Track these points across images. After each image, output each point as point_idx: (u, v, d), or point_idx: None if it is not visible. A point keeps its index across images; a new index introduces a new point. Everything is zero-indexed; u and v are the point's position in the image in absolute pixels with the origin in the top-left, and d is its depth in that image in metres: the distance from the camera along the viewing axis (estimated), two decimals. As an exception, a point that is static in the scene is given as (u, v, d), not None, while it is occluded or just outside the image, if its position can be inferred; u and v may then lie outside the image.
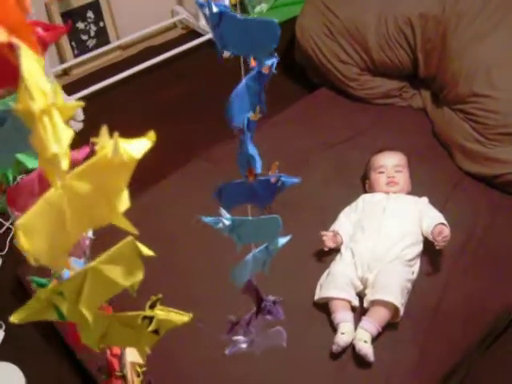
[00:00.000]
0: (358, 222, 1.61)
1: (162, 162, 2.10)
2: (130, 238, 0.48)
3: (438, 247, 1.51)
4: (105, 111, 2.26)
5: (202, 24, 2.65)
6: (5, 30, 0.38)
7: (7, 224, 1.88)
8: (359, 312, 1.45)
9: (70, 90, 2.34)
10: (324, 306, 1.46)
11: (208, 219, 0.65)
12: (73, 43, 2.48)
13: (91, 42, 2.54)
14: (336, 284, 1.45)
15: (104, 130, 0.39)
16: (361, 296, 1.48)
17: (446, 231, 1.51)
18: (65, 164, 0.38)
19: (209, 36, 2.52)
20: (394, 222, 1.57)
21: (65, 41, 2.44)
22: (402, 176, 1.70)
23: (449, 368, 1.38)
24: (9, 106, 0.58)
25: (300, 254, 1.60)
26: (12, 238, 1.83)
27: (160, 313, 0.58)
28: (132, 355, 0.72)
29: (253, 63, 0.53)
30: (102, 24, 2.53)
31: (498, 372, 1.53)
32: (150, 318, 0.58)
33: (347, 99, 2.15)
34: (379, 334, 1.39)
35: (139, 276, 0.48)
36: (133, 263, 0.48)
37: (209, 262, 1.57)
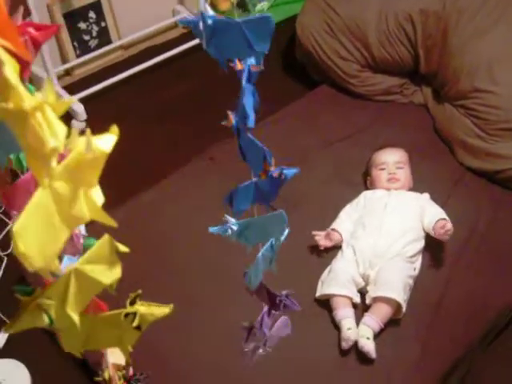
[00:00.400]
0: (359, 218, 1.62)
1: (162, 162, 2.11)
2: (106, 236, 0.49)
3: (442, 239, 1.51)
4: (107, 111, 2.28)
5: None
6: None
7: (11, 223, 1.89)
8: (360, 309, 1.46)
9: (72, 90, 2.35)
10: (325, 303, 1.47)
11: (215, 229, 0.65)
12: (75, 43, 2.49)
13: (93, 42, 2.55)
14: (337, 281, 1.46)
15: (74, 130, 0.40)
16: (362, 293, 1.49)
17: (449, 225, 1.51)
18: (54, 162, 0.39)
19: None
20: (396, 219, 1.57)
21: (67, 41, 2.45)
22: (403, 172, 1.71)
23: (450, 364, 1.38)
24: None
25: (301, 251, 1.60)
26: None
27: (141, 308, 0.59)
28: (114, 357, 0.73)
29: (239, 66, 0.53)
30: (103, 24, 2.54)
31: (499, 368, 1.53)
32: (133, 315, 0.59)
33: (348, 96, 2.16)
34: (381, 331, 1.40)
35: (118, 273, 0.49)
36: (111, 261, 0.48)
37: (208, 262, 1.57)
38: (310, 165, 1.86)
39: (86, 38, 2.52)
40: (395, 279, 1.44)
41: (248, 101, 0.53)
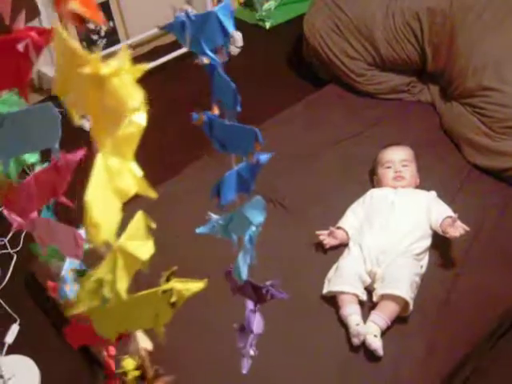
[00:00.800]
0: (365, 216, 1.62)
1: (175, 157, 2.12)
2: (140, 213, 0.50)
3: (450, 237, 1.51)
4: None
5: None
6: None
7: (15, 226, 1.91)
8: (367, 306, 1.46)
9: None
10: (331, 300, 1.47)
11: (202, 229, 0.66)
12: (84, 43, 2.51)
13: (101, 42, 2.57)
14: (344, 278, 1.46)
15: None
16: (369, 290, 1.49)
17: (463, 226, 1.49)
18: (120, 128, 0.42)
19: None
20: (403, 217, 1.57)
21: (75, 41, 2.48)
22: (408, 170, 1.71)
23: (457, 362, 1.38)
24: (11, 106, 0.60)
25: (308, 248, 1.61)
26: (25, 235, 1.87)
27: (177, 284, 0.60)
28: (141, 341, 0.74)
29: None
30: (111, 24, 2.56)
31: (505, 366, 1.53)
32: (169, 291, 0.60)
33: (355, 95, 2.16)
34: (387, 328, 1.40)
35: (152, 249, 0.50)
36: (146, 237, 0.50)
37: (210, 259, 1.57)
38: (318, 163, 1.87)
39: (95, 37, 2.54)
40: (402, 277, 1.44)
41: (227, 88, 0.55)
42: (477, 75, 1.86)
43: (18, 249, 1.86)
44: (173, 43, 2.68)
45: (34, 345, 1.61)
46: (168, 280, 0.60)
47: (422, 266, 1.53)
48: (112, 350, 0.82)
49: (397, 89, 2.12)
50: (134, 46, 2.67)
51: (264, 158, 0.59)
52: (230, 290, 0.73)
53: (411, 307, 1.42)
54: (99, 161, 0.43)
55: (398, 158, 1.72)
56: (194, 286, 0.60)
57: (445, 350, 1.38)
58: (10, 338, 1.61)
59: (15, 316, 1.66)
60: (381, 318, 1.38)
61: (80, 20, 0.45)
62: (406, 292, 1.41)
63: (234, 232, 0.65)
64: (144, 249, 0.50)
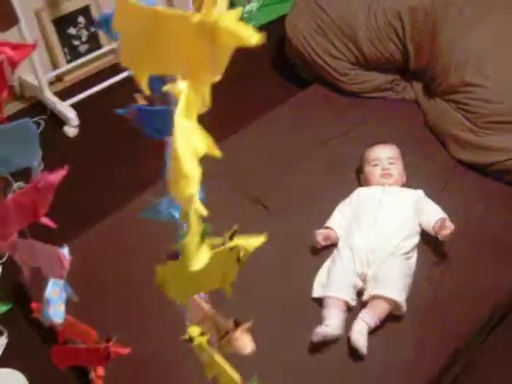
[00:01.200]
0: (353, 215, 1.62)
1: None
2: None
3: (442, 239, 1.52)
4: (99, 116, 2.27)
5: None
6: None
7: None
8: (357, 308, 1.45)
9: (64, 95, 2.34)
10: (319, 301, 1.47)
11: (146, 213, 0.66)
12: (65, 49, 2.49)
13: (83, 48, 2.54)
14: (336, 285, 1.45)
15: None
16: (360, 292, 1.49)
17: (450, 224, 1.50)
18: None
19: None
20: (391, 215, 1.58)
21: (57, 47, 2.45)
22: (396, 168, 1.72)
23: (447, 358, 1.38)
24: None
25: (295, 249, 1.60)
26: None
27: (241, 240, 0.64)
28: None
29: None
30: (93, 29, 2.53)
31: (495, 362, 1.54)
32: (236, 248, 0.63)
33: (339, 94, 2.16)
34: (377, 327, 1.40)
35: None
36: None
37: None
38: (304, 163, 1.86)
39: (76, 43, 2.52)
40: (395, 278, 1.44)
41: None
42: (459, 71, 1.87)
43: (3, 260, 1.83)
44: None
45: (23, 357, 1.58)
46: (231, 238, 0.63)
47: (411, 266, 1.54)
48: (100, 370, 0.81)
49: (380, 87, 2.13)
50: (116, 51, 2.64)
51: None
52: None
53: (405, 308, 1.42)
54: (178, 120, 0.44)
55: (385, 156, 1.73)
56: (256, 240, 0.64)
57: (434, 348, 1.39)
58: (-3, 350, 1.59)
59: (2, 328, 1.64)
60: (370, 316, 1.38)
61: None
62: (399, 293, 1.41)
63: (177, 210, 0.66)
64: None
